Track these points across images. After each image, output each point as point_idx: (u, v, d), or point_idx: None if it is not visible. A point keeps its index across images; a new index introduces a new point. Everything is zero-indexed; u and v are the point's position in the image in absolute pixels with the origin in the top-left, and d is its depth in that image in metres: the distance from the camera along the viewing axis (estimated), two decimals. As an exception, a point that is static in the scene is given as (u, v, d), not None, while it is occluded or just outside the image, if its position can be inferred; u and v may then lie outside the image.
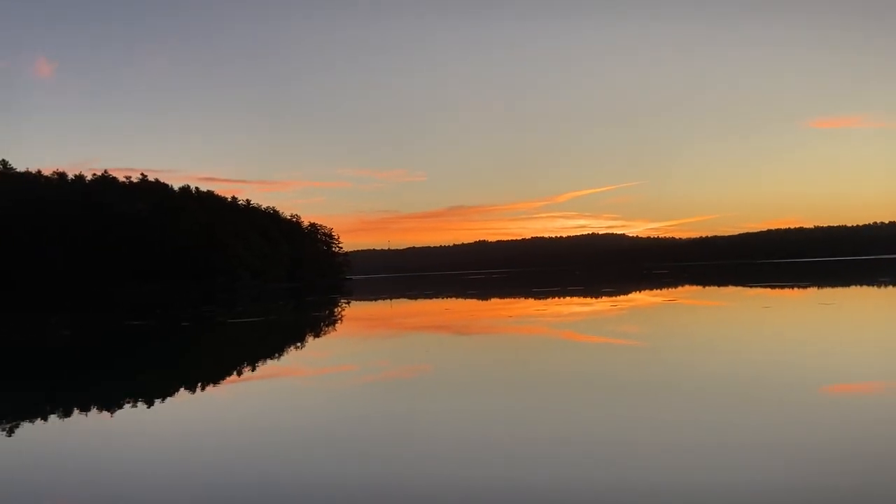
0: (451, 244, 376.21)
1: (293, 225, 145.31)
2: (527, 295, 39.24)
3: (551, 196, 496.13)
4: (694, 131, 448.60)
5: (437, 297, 41.48)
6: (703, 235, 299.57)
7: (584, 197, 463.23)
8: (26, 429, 7.74)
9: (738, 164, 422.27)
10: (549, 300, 32.20)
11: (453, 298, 39.71)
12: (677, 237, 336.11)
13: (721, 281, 50.50)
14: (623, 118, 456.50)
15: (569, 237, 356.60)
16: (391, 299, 42.86)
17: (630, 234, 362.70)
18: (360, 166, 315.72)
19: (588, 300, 31.84)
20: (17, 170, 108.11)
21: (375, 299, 44.00)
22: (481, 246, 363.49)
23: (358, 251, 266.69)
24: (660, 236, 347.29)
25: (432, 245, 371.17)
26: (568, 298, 33.66)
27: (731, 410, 7.03)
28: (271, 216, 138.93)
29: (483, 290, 51.97)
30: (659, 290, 38.26)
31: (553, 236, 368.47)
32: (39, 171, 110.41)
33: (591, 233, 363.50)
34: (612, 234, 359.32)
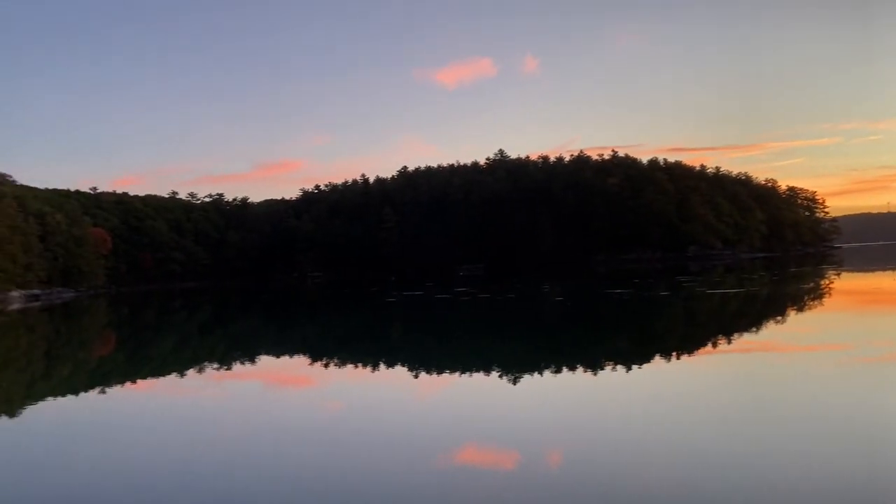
0: None
1: (768, 190, 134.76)
2: None
3: None
4: None
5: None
6: None
7: None
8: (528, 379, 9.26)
9: None
10: None
11: None
12: None
13: None
14: None
15: None
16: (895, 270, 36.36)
17: None
18: (850, 118, 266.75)
19: None
20: (511, 157, 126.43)
21: (873, 270, 37.89)
22: None
23: (849, 216, 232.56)
24: None
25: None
26: None
27: None
28: (742, 182, 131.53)
29: None
30: None
31: None
32: (528, 157, 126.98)
33: None
34: None
